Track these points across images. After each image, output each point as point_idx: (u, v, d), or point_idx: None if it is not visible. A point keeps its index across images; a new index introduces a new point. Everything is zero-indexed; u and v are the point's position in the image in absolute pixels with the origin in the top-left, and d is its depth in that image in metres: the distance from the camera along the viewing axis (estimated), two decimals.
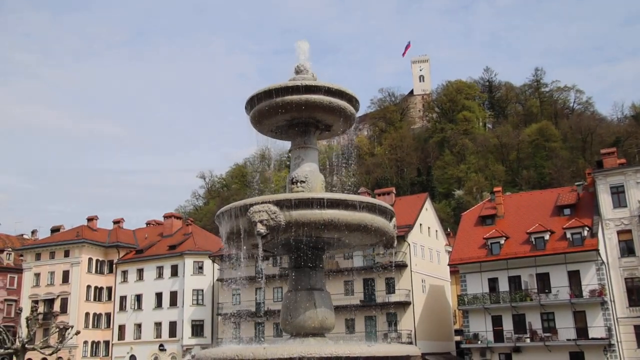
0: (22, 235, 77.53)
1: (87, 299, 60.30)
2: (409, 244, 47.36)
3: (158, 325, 57.75)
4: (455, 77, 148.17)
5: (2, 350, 36.72)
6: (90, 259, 61.35)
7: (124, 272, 61.31)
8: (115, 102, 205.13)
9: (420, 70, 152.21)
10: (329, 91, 10.81)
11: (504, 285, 42.49)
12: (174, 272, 58.25)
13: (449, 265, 49.29)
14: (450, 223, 75.15)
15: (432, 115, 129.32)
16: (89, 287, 60.60)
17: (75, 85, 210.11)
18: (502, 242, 43.50)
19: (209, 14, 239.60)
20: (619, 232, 41.02)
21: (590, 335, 39.09)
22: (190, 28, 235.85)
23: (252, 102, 11.18)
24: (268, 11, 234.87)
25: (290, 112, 10.88)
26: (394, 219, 10.81)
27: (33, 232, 77.42)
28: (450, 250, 49.95)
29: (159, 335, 57.48)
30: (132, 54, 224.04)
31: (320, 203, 9.35)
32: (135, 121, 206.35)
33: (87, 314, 59.81)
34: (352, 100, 11.20)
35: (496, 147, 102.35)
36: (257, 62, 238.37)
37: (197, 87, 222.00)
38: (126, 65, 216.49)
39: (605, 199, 41.87)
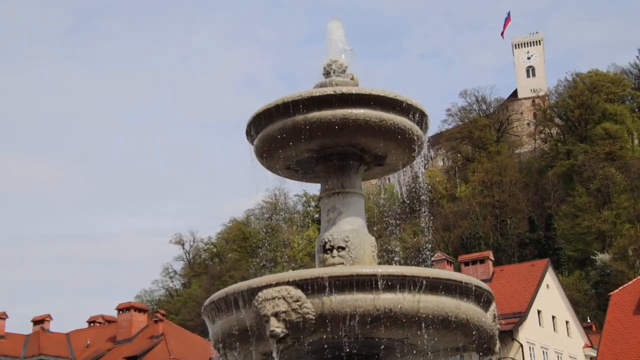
0: None
1: None
2: (522, 345, 47.22)
3: None
4: (587, 67, 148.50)
5: None
6: None
7: None
8: (47, 129, 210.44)
9: (529, 57, 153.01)
10: (378, 101, 10.99)
11: None
12: None
13: None
14: (590, 309, 73.94)
15: (551, 131, 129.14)
16: None
17: None
18: None
19: None
20: None
21: None
22: (168, 7, 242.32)
23: (256, 124, 11.43)
24: None
25: (317, 138, 11.08)
26: (493, 305, 10.80)
27: None
28: (595, 355, 49.04)
29: None
30: (74, 52, 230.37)
31: (371, 283, 9.44)
32: (77, 159, 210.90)
33: None
34: (418, 115, 11.38)
35: None
36: (274, 58, 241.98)
37: (176, 101, 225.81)
38: (66, 70, 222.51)
39: None
